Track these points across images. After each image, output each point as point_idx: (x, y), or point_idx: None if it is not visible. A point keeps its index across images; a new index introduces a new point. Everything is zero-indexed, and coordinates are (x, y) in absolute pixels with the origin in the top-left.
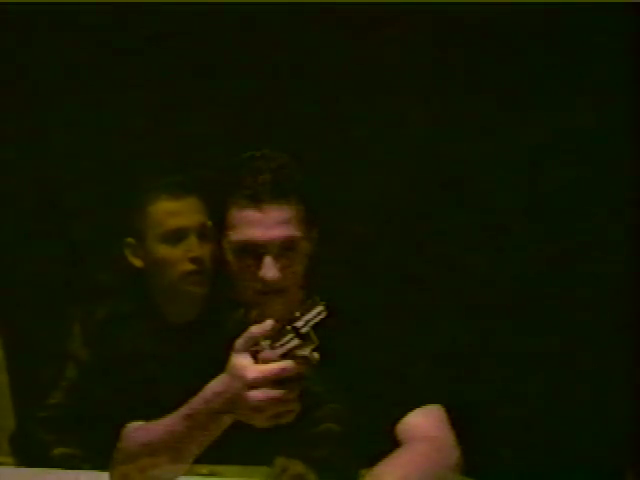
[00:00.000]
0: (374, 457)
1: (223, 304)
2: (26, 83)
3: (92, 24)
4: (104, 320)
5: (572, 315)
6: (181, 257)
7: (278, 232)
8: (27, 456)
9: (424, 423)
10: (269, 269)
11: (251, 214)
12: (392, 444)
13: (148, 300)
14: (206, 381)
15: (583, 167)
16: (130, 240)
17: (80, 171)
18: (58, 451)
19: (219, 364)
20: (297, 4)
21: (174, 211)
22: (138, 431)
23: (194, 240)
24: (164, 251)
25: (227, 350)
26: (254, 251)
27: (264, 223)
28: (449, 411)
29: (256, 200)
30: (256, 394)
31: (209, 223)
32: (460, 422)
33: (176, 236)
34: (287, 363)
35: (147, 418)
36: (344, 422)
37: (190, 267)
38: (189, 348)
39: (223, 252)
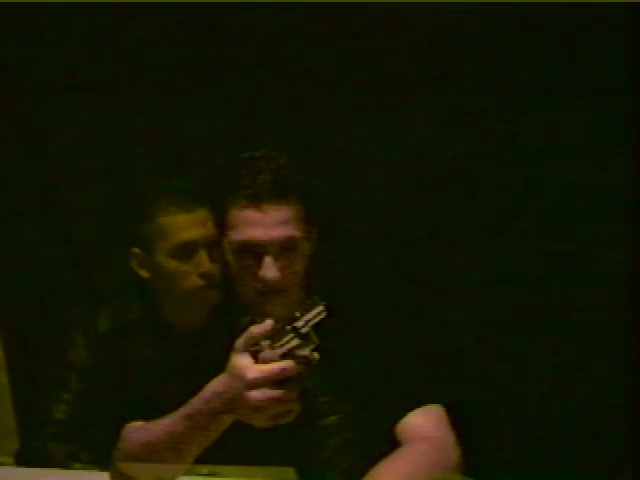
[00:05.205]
0: (374, 457)
1: (231, 310)
2: (26, 83)
3: (92, 24)
4: (108, 329)
5: (572, 315)
6: (191, 272)
7: (278, 232)
8: (30, 463)
9: (424, 423)
10: (269, 269)
11: (251, 214)
12: (392, 444)
13: (153, 308)
14: None
15: (583, 167)
16: (136, 250)
17: (80, 171)
18: (61, 452)
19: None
20: (297, 4)
21: (185, 224)
22: (138, 431)
23: (204, 255)
24: (173, 265)
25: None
26: (254, 251)
27: (264, 223)
28: (449, 411)
29: (256, 200)
30: (256, 394)
31: (208, 223)
32: (460, 422)
33: (186, 250)
34: (287, 363)
35: (148, 420)
36: (345, 422)
37: (200, 282)
38: (196, 355)
39: (223, 252)
